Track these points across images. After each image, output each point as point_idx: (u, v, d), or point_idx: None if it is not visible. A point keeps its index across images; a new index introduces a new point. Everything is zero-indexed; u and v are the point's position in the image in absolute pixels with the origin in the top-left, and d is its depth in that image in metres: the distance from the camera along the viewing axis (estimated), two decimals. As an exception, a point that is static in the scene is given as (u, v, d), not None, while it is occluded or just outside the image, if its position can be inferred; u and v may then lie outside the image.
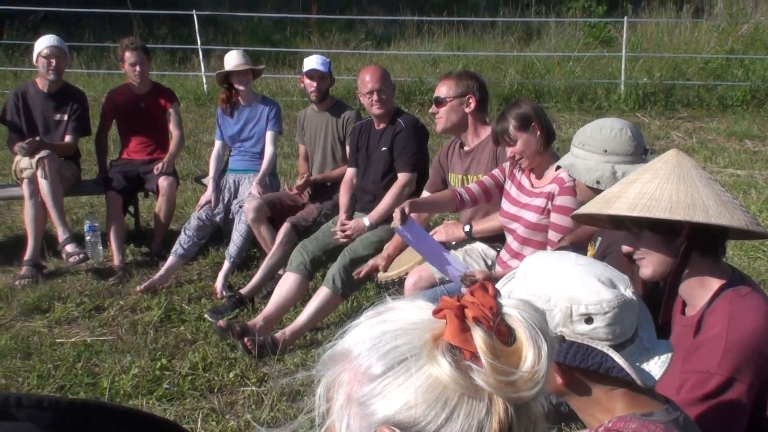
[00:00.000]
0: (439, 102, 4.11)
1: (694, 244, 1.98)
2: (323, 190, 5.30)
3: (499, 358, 0.85)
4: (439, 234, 4.05)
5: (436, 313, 0.89)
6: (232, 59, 5.46)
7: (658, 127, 10.07)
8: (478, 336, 0.86)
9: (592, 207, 2.10)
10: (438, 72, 11.74)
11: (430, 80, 11.30)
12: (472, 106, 4.07)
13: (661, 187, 1.96)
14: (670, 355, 1.58)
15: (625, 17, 12.10)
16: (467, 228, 3.98)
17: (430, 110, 4.21)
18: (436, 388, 0.85)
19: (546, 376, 0.86)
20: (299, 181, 5.22)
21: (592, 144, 2.78)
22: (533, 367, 0.85)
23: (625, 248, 2.09)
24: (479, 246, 4.00)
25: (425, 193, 4.42)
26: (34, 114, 5.71)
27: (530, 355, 0.86)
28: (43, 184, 5.35)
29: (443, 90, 4.12)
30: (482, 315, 0.87)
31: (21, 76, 11.00)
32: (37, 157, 5.35)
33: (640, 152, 2.77)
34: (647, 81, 11.22)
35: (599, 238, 2.89)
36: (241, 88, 5.47)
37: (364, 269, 4.27)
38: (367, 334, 0.91)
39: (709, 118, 10.56)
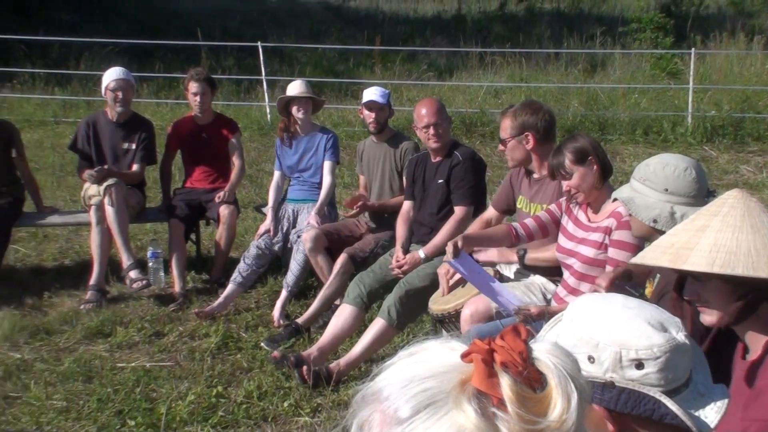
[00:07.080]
0: (502, 142, 4.21)
1: (765, 294, 1.91)
2: (381, 221, 5.31)
3: (526, 406, 0.83)
4: (491, 254, 4.01)
5: (464, 356, 0.88)
6: (295, 87, 5.56)
7: (727, 161, 9.79)
8: (505, 382, 0.84)
9: (663, 260, 1.99)
10: (500, 103, 11.70)
11: (491, 111, 11.27)
12: (531, 143, 4.05)
13: (737, 238, 1.88)
14: (726, 401, 1.52)
15: (693, 49, 11.87)
16: (521, 252, 3.93)
17: (499, 148, 4.36)
18: None
19: (576, 425, 0.84)
20: (352, 211, 5.26)
21: (653, 180, 2.72)
22: (561, 416, 0.83)
23: (689, 297, 2.02)
24: (539, 280, 3.95)
25: (490, 210, 4.47)
26: (103, 143, 5.88)
27: (559, 403, 0.83)
28: (110, 212, 5.49)
29: (503, 129, 4.21)
30: (511, 360, 0.85)
31: (93, 105, 11.37)
32: (105, 184, 5.50)
33: (703, 194, 2.69)
34: (715, 113, 10.93)
35: (658, 276, 2.82)
36: (300, 116, 5.52)
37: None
38: (398, 376, 0.90)
39: (781, 152, 10.24)
